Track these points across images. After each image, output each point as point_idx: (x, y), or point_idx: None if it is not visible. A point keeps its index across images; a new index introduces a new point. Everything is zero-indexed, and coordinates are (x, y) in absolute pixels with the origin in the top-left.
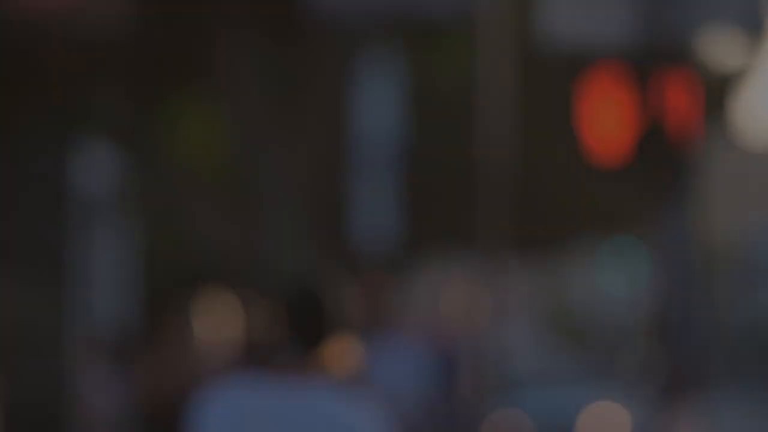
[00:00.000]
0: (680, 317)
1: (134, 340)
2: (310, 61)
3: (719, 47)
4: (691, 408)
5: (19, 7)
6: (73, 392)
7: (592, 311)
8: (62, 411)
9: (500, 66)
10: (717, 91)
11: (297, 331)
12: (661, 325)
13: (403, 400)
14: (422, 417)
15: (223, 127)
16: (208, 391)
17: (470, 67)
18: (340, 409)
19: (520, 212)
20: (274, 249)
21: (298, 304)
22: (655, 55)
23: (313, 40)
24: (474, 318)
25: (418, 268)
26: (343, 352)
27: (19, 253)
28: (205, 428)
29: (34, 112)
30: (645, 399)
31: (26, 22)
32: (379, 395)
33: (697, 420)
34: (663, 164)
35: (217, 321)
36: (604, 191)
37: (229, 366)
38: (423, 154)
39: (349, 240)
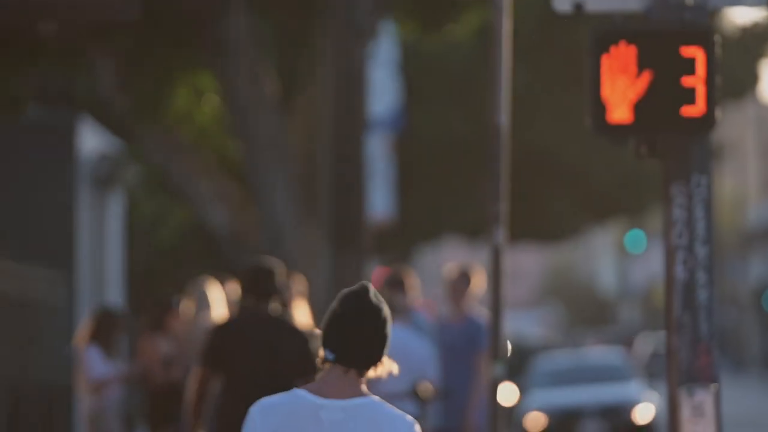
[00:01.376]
0: (695, 303)
1: (133, 321)
2: (316, 42)
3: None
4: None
5: None
6: (78, 370)
7: (593, 289)
8: (68, 389)
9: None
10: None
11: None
12: (674, 311)
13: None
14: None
15: (224, 109)
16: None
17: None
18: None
19: (522, 193)
20: (272, 232)
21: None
22: (672, 31)
23: (316, 19)
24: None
25: (421, 250)
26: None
27: (21, 233)
28: None
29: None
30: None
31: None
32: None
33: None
34: (676, 144)
35: (214, 302)
36: (614, 173)
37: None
38: (424, 136)
39: (353, 222)
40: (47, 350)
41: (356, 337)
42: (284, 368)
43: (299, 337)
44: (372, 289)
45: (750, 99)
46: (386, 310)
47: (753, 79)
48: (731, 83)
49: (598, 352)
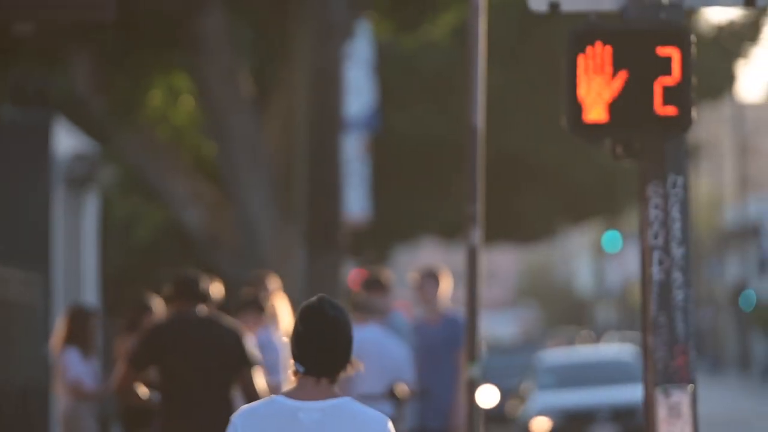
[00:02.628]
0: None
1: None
2: (291, 39)
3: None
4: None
5: None
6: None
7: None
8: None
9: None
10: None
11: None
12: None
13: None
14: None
15: (199, 105)
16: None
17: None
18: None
19: (497, 191)
20: (247, 232)
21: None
22: (648, 31)
23: (293, 19)
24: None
25: (395, 249)
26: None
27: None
28: None
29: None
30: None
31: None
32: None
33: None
34: (652, 144)
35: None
36: (587, 172)
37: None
38: (398, 136)
39: (329, 222)
40: (23, 351)
41: (320, 352)
42: (218, 365)
43: (230, 334)
44: (328, 301)
45: (727, 99)
46: (344, 317)
47: (730, 78)
48: (708, 83)
49: (607, 350)
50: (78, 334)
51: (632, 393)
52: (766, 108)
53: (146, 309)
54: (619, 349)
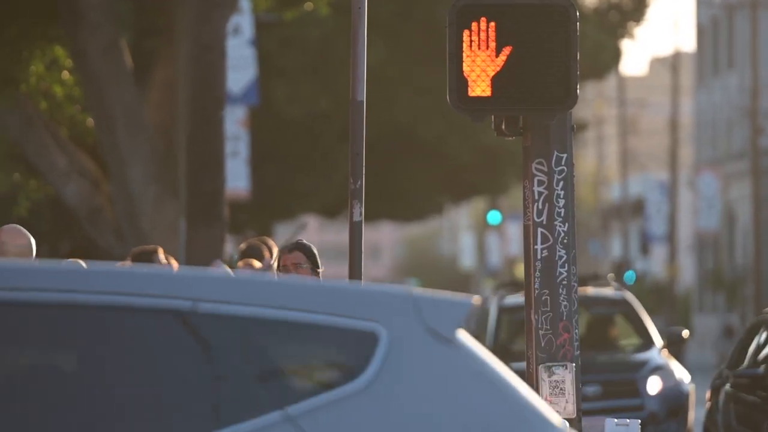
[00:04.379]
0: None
1: None
2: (171, 15)
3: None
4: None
5: None
6: None
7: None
8: None
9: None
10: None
11: None
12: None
13: None
14: None
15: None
16: None
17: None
18: None
19: (381, 168)
20: (127, 207)
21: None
22: (532, 7)
23: None
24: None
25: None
26: None
27: None
28: None
29: None
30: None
31: None
32: None
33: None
34: (536, 122)
35: None
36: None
37: None
38: (282, 115)
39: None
40: None
41: None
42: None
43: None
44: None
45: (612, 76)
46: None
47: (615, 56)
48: (593, 61)
49: None
50: None
51: None
52: (648, 83)
53: None
54: None
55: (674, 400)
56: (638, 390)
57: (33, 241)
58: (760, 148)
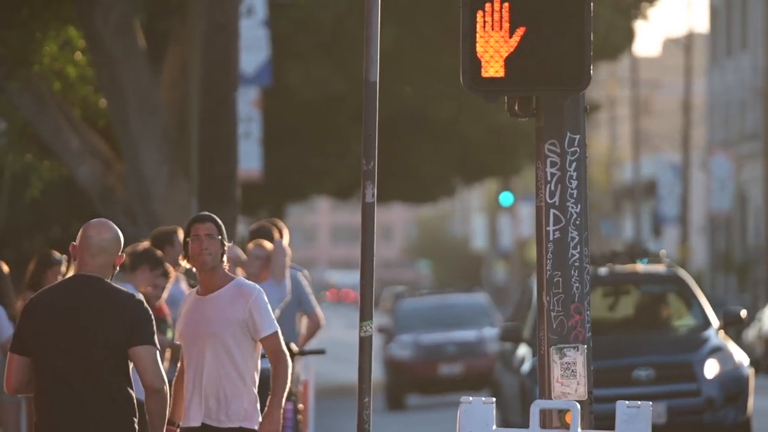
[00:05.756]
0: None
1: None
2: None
3: None
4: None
5: None
6: None
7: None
8: None
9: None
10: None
11: None
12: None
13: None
14: None
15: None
16: None
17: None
18: None
19: (393, 151)
20: (140, 187)
21: None
22: None
23: None
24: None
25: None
26: None
27: None
28: None
29: None
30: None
31: None
32: None
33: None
34: (549, 102)
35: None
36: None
37: None
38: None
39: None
40: None
41: None
42: (94, 340)
43: (118, 300)
44: None
45: (625, 57)
46: None
47: (628, 36)
48: (606, 42)
49: (462, 296)
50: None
51: (478, 334)
52: (661, 64)
53: (51, 265)
54: (473, 295)
55: (733, 384)
56: (694, 374)
57: (120, 236)
58: None
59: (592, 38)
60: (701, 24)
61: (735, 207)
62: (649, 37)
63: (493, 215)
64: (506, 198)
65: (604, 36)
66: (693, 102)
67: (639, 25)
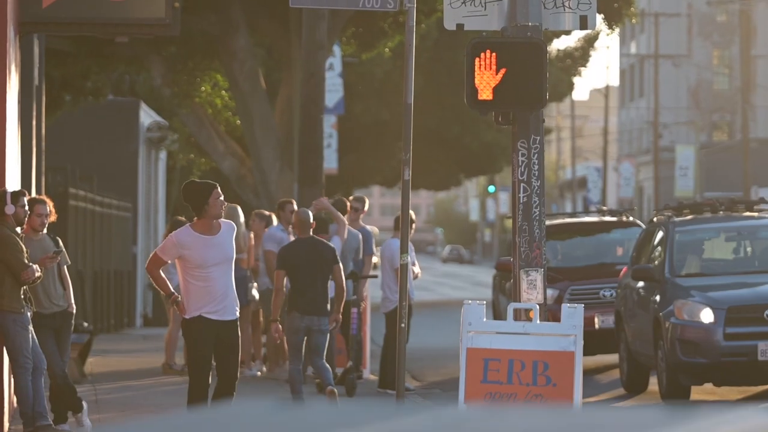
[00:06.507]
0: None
1: None
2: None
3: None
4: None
5: None
6: None
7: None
8: None
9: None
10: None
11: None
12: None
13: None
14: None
15: (232, 95)
16: None
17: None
18: None
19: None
20: (261, 176)
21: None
22: (519, 43)
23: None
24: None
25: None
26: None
27: (99, 175)
28: None
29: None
30: None
31: None
32: None
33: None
34: (521, 115)
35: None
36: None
37: None
38: (354, 115)
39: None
40: (117, 248)
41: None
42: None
43: None
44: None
45: (567, 100)
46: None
47: (569, 87)
48: (555, 90)
49: None
50: None
51: None
52: (589, 105)
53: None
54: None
55: None
56: None
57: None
58: (659, 146)
59: (547, 77)
60: (614, 80)
61: (635, 195)
62: (582, 88)
63: (483, 199)
64: (491, 188)
65: (554, 86)
66: (609, 129)
67: (576, 80)
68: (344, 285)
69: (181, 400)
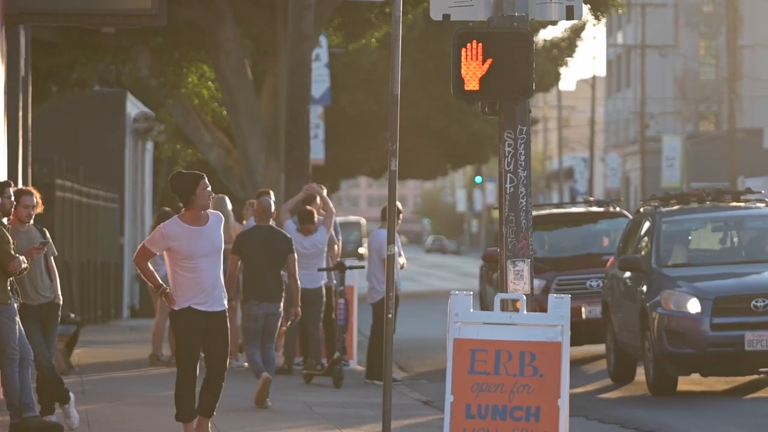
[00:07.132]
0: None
1: None
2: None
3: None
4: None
5: None
6: None
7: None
8: None
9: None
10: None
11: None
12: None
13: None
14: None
15: (219, 85)
16: None
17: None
18: None
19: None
20: (248, 167)
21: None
22: (505, 33)
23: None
24: None
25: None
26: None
27: (84, 165)
28: None
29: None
30: None
31: None
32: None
33: None
34: (507, 105)
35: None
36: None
37: None
38: (341, 106)
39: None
40: (104, 239)
41: None
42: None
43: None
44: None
45: (554, 90)
46: None
47: (555, 77)
48: (541, 80)
49: None
50: None
51: None
52: (576, 95)
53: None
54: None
55: None
56: None
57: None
58: (645, 137)
59: (534, 66)
60: (601, 70)
61: (622, 186)
62: (568, 78)
63: (470, 190)
64: (478, 179)
65: (540, 76)
66: (596, 119)
67: (563, 70)
68: (297, 275)
69: (168, 391)
